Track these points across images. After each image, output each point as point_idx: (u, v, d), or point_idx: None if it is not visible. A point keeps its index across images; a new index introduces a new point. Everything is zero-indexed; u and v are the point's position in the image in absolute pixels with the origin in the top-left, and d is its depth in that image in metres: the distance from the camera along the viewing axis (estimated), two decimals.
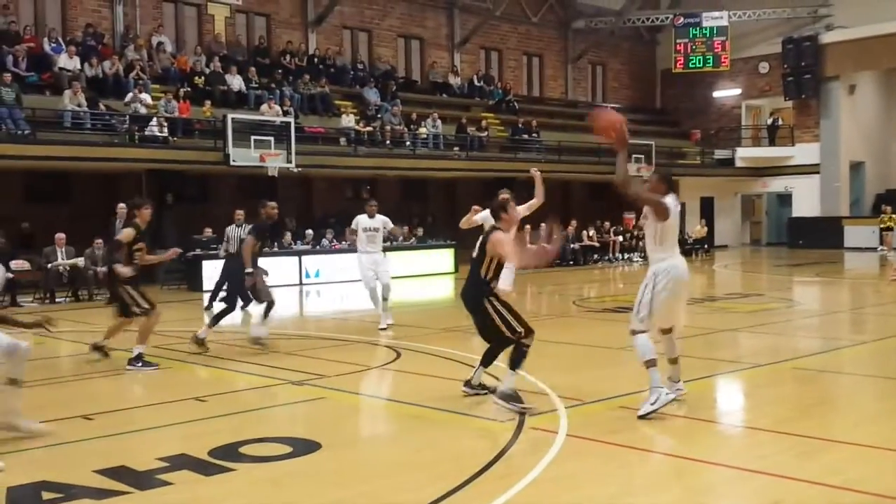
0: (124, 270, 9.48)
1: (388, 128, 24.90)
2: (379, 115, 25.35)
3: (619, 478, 5.47)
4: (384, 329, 12.10)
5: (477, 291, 7.24)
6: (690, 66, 34.24)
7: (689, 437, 6.49)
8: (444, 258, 23.30)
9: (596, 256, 27.15)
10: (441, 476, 5.38)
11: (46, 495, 5.15)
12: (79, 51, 20.88)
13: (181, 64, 22.88)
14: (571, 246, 26.19)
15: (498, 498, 4.95)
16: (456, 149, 26.06)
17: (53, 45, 20.84)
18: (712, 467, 5.75)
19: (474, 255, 7.42)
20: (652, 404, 6.65)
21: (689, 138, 35.49)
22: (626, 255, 27.72)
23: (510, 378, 6.99)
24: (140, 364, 9.39)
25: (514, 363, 7.04)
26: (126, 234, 9.59)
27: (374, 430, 6.71)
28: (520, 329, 7.08)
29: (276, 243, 20.18)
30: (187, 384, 8.75)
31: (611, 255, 27.59)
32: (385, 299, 12.40)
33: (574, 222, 26.77)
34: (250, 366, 9.54)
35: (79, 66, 20.44)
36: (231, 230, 14.34)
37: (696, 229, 30.35)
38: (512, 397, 6.91)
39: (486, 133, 27.31)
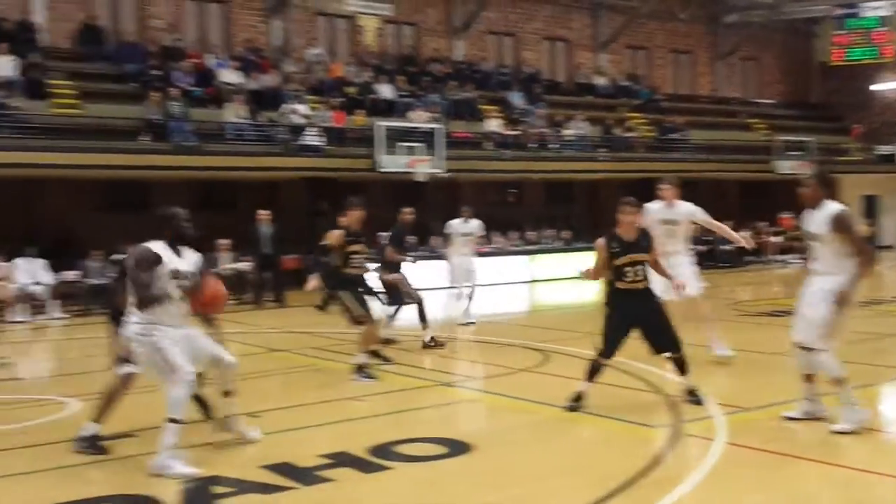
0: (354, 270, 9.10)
1: (533, 131, 24.89)
2: (524, 119, 25.39)
3: (780, 488, 5.30)
4: (470, 324, 13.26)
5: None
6: (850, 58, 32.46)
7: (853, 447, 6.19)
8: (589, 261, 23.04)
9: (751, 258, 26.13)
10: (595, 481, 5.37)
11: (219, 489, 5.46)
12: (240, 65, 22.00)
13: (334, 72, 23.68)
14: (724, 248, 25.34)
15: None
16: (602, 150, 25.74)
17: (216, 60, 22.04)
18: (880, 478, 5.48)
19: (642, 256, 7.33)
20: (851, 422, 6.29)
21: (849, 134, 33.60)
22: (781, 257, 26.56)
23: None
24: (361, 375, 8.95)
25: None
26: (333, 235, 9.11)
27: (525, 433, 6.75)
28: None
29: (418, 247, 20.58)
30: (346, 385, 9.05)
31: (766, 256, 26.51)
32: (471, 299, 13.60)
33: (728, 222, 25.86)
34: (403, 367, 9.77)
35: (240, 80, 21.53)
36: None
37: (860, 229, 28.70)
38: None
39: (632, 133, 26.85)
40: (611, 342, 7.23)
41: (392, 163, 20.88)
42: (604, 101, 28.64)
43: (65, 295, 16.50)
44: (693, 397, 7.34)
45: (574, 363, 9.83)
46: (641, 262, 7.27)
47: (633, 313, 7.24)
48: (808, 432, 6.36)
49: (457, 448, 6.22)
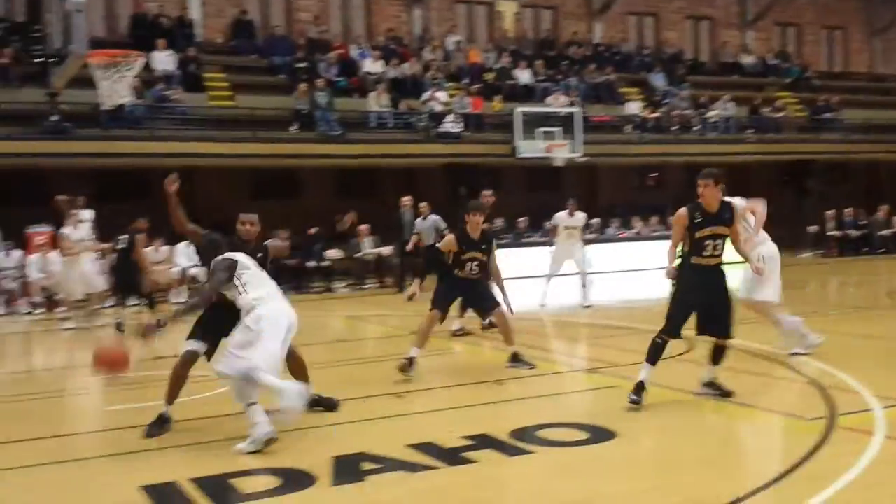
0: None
1: (675, 113, 24.27)
2: (666, 101, 24.77)
3: None
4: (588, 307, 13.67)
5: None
6: None
7: None
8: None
9: None
10: (744, 474, 5.23)
11: (366, 466, 5.65)
12: (381, 55, 22.47)
13: (471, 58, 23.81)
14: (880, 233, 23.97)
15: (807, 502, 4.71)
16: (749, 131, 24.80)
17: (360, 50, 22.59)
18: None
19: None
20: None
21: None
22: None
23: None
24: (516, 364, 8.85)
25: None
26: (446, 242, 9.05)
27: (670, 423, 6.63)
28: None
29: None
30: (485, 367, 9.15)
31: None
32: (584, 286, 14.04)
33: (884, 206, 24.46)
34: (542, 352, 9.78)
35: (382, 69, 21.99)
36: (419, 223, 14.83)
37: None
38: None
39: (782, 113, 25.72)
40: (675, 320, 7.00)
41: (530, 148, 20.85)
42: (751, 80, 27.58)
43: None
44: (714, 390, 7.15)
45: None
46: (722, 237, 6.95)
47: (703, 291, 6.94)
48: None
49: (599, 435, 6.18)
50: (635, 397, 6.90)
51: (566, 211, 14.09)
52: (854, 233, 23.88)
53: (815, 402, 6.91)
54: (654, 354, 7.07)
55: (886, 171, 28.23)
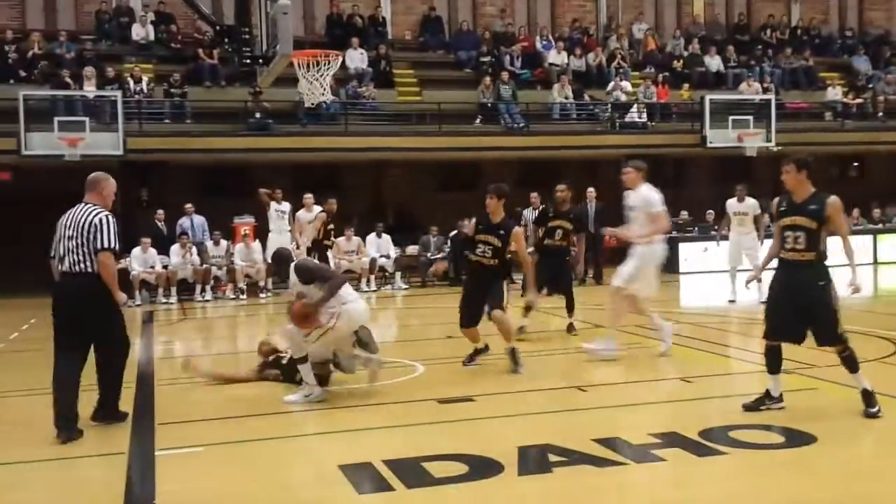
0: None
1: (881, 98, 22.65)
2: (870, 85, 23.18)
3: None
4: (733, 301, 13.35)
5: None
6: None
7: None
8: None
9: None
10: None
11: (552, 458, 5.69)
12: (566, 46, 22.35)
13: (648, 45, 23.19)
14: None
15: None
16: None
17: (544, 42, 22.58)
18: None
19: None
20: None
21: None
22: None
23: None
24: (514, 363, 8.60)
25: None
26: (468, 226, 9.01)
27: (874, 429, 6.26)
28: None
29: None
30: (671, 364, 8.96)
31: None
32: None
33: None
34: (732, 350, 9.48)
35: (566, 61, 21.88)
36: (528, 214, 14.99)
37: None
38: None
39: None
40: (771, 320, 6.48)
41: (720, 138, 20.13)
42: None
43: (406, 267, 17.93)
44: (869, 404, 6.36)
45: None
46: (803, 228, 6.33)
47: (788, 290, 6.37)
48: None
49: (797, 438, 5.92)
50: (750, 403, 6.66)
51: (735, 198, 13.60)
52: None
53: None
54: (769, 362, 6.66)
55: None
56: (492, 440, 6.14)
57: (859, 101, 22.48)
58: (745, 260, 13.56)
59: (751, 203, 13.56)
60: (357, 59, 20.26)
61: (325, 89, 11.03)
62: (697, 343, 10.07)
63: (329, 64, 10.66)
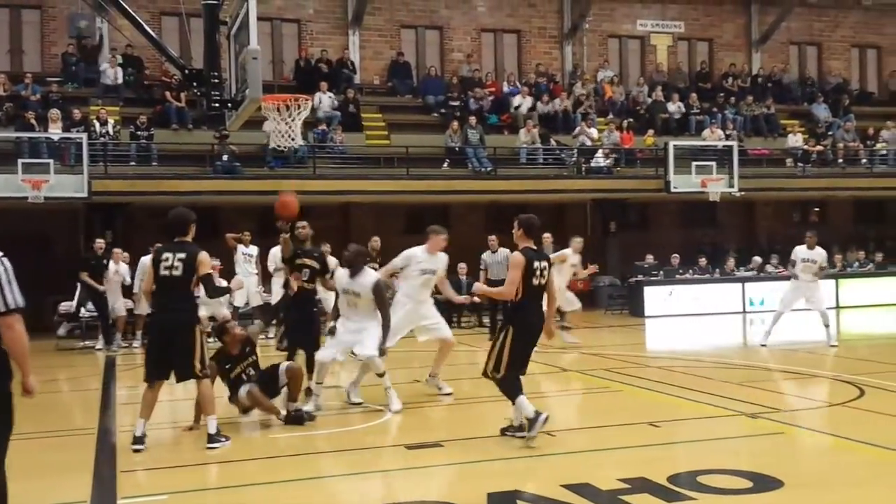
0: None
1: (840, 145, 23.19)
2: (830, 133, 23.73)
3: None
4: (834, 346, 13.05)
5: None
6: None
7: None
8: None
9: None
10: None
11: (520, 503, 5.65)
12: (532, 91, 22.66)
13: (607, 93, 23.57)
14: None
15: None
16: None
17: (511, 87, 22.87)
18: None
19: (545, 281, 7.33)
20: None
21: None
22: None
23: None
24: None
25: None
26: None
27: (841, 474, 6.30)
28: None
29: (717, 269, 19.96)
30: (639, 408, 8.97)
31: None
32: (826, 325, 13.26)
33: None
34: (698, 394, 9.51)
35: (532, 105, 22.17)
36: (488, 257, 15.12)
37: None
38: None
39: None
40: None
41: (684, 183, 20.41)
42: None
43: None
44: None
45: (893, 399, 9.03)
46: None
47: None
48: None
49: (764, 483, 5.94)
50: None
51: (804, 245, 13.47)
52: None
53: None
54: None
55: None
56: (461, 487, 6.09)
57: (819, 147, 22.97)
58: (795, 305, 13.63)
59: (820, 252, 13.43)
60: (326, 102, 20.37)
61: (294, 133, 11.04)
62: (664, 387, 10.10)
63: (299, 108, 10.69)
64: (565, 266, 13.69)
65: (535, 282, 7.22)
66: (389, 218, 21.20)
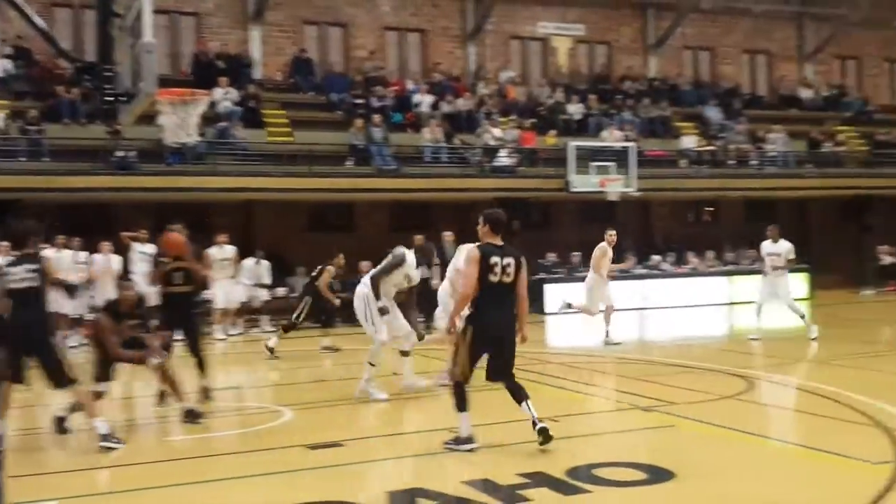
0: None
1: (732, 147, 24.07)
2: (722, 135, 24.60)
3: None
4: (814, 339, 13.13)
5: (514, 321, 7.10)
6: None
7: None
8: (797, 283, 21.88)
9: None
10: None
11: (422, 501, 5.66)
12: (436, 90, 22.73)
13: (510, 93, 23.87)
14: None
15: None
16: (808, 166, 24.45)
17: (415, 86, 22.89)
18: None
19: (511, 279, 6.99)
20: None
21: None
22: None
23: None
24: None
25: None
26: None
27: (730, 464, 6.53)
28: None
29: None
30: (539, 404, 9.09)
31: None
32: (802, 316, 13.58)
33: None
34: (597, 388, 9.74)
35: (436, 104, 22.24)
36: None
37: None
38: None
39: (842, 148, 25.33)
40: None
41: (583, 183, 20.82)
42: (810, 114, 27.21)
43: (275, 310, 17.60)
44: None
45: (781, 392, 9.43)
46: None
47: None
48: None
49: (657, 475, 6.12)
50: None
51: (769, 240, 13.73)
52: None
53: (881, 445, 6.76)
54: None
55: None
56: (361, 486, 6.08)
57: (711, 149, 23.76)
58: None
59: (784, 245, 13.70)
60: (225, 98, 19.95)
61: (191, 129, 10.79)
62: (565, 382, 10.30)
63: (196, 104, 10.45)
64: (605, 260, 13.61)
65: (494, 279, 6.85)
66: (292, 216, 20.96)
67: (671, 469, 6.20)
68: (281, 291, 18.09)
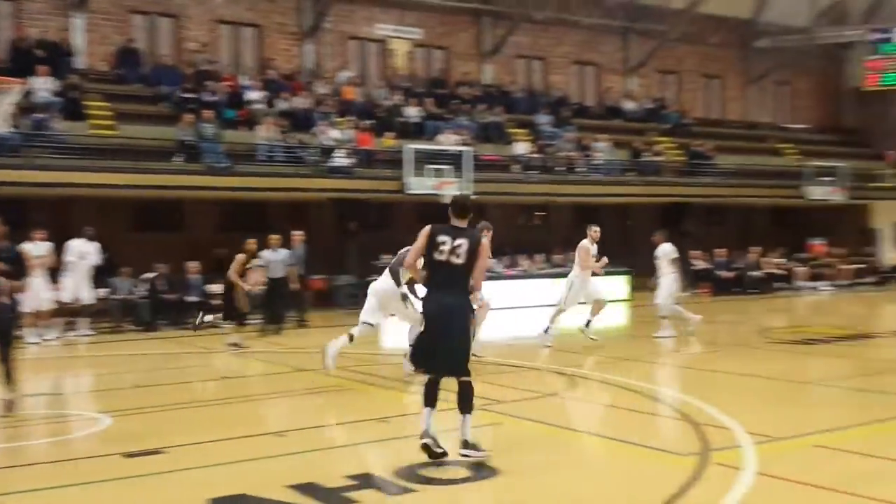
0: None
1: (560, 154, 24.94)
2: (551, 142, 25.45)
3: None
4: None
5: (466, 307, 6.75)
6: (884, 83, 32.26)
7: (887, 480, 6.09)
8: (618, 285, 22.96)
9: (781, 284, 25.85)
10: None
11: None
12: (272, 87, 22.27)
13: (346, 94, 23.79)
14: (751, 274, 25.16)
15: None
16: (631, 174, 25.72)
17: (249, 82, 22.33)
18: None
19: (461, 261, 6.66)
20: None
21: (882, 159, 33.33)
22: (812, 284, 26.25)
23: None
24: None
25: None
26: None
27: (551, 459, 6.73)
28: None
29: None
30: (370, 406, 9.09)
31: (794, 283, 26.20)
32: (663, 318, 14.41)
33: (756, 249, 25.75)
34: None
35: (271, 102, 21.79)
36: (269, 255, 15.99)
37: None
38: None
39: (661, 157, 26.81)
40: None
41: (420, 185, 21.01)
42: (633, 124, 28.64)
43: (96, 311, 16.68)
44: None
45: (602, 389, 9.81)
46: None
47: None
48: (840, 464, 6.29)
49: (481, 472, 6.22)
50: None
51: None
52: (726, 273, 24.93)
53: (690, 439, 7.15)
54: None
55: (758, 215, 29.76)
56: (183, 494, 5.83)
57: (541, 155, 24.54)
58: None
59: (662, 248, 14.49)
60: (43, 88, 18.73)
61: (3, 119, 10.04)
62: (395, 384, 10.31)
63: (7, 92, 9.73)
64: (590, 257, 13.73)
65: (441, 257, 6.65)
66: (115, 213, 19.95)
67: (495, 466, 6.31)
68: (102, 293, 17.15)
